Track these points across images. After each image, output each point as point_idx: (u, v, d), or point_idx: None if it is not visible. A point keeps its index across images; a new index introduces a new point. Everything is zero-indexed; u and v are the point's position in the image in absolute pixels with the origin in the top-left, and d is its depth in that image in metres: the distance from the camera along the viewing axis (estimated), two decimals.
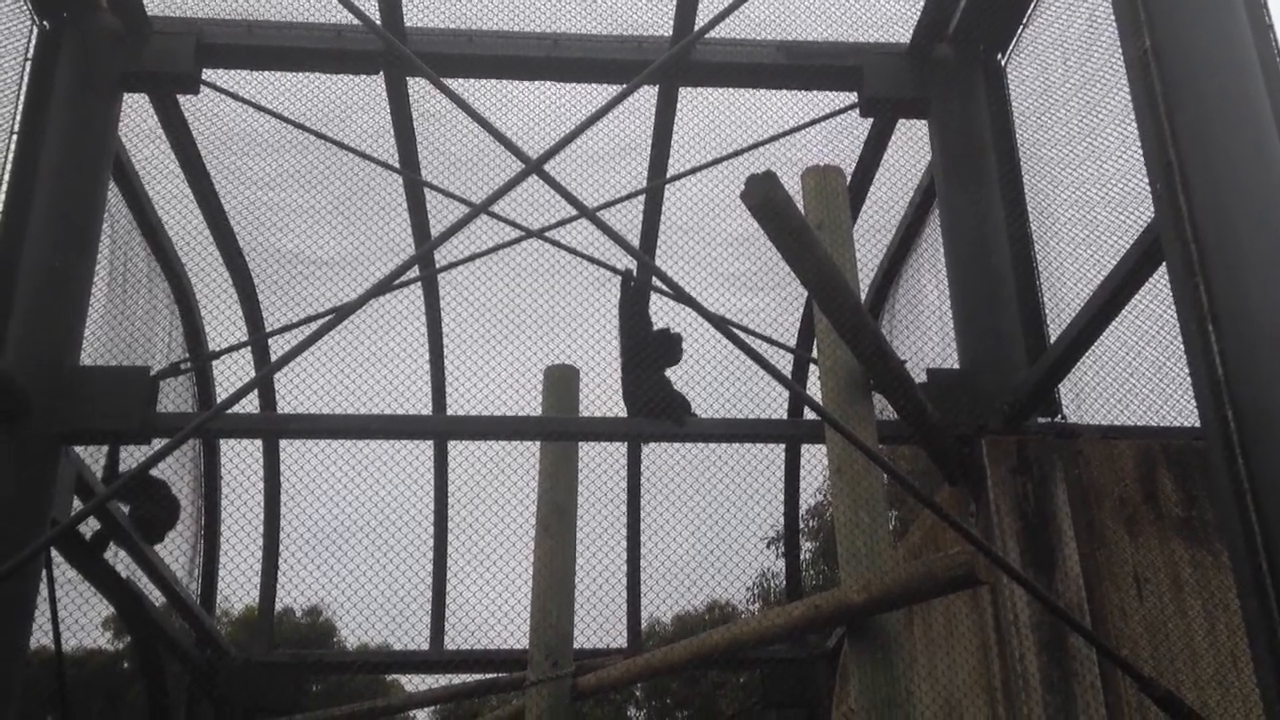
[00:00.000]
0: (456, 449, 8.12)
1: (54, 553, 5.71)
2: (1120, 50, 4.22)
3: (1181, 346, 3.78)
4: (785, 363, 7.85)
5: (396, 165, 6.77)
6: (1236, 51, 3.92)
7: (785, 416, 7.85)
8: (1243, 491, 3.40)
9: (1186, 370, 3.74)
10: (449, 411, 7.73)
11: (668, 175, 7.02)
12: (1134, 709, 4.76)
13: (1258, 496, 3.37)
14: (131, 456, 6.38)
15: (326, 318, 4.42)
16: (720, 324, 3.92)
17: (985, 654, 5.30)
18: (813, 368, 7.27)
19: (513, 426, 5.95)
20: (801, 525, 9.74)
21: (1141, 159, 4.09)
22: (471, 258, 6.55)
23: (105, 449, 6.31)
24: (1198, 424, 3.69)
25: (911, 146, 7.17)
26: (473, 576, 7.45)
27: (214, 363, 7.20)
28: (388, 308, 7.29)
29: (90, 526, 6.12)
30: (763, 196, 4.19)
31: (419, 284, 7.39)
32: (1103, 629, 4.93)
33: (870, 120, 6.95)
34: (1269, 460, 3.41)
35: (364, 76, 6.56)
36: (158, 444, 5.65)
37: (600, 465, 7.83)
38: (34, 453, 5.39)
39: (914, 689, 5.74)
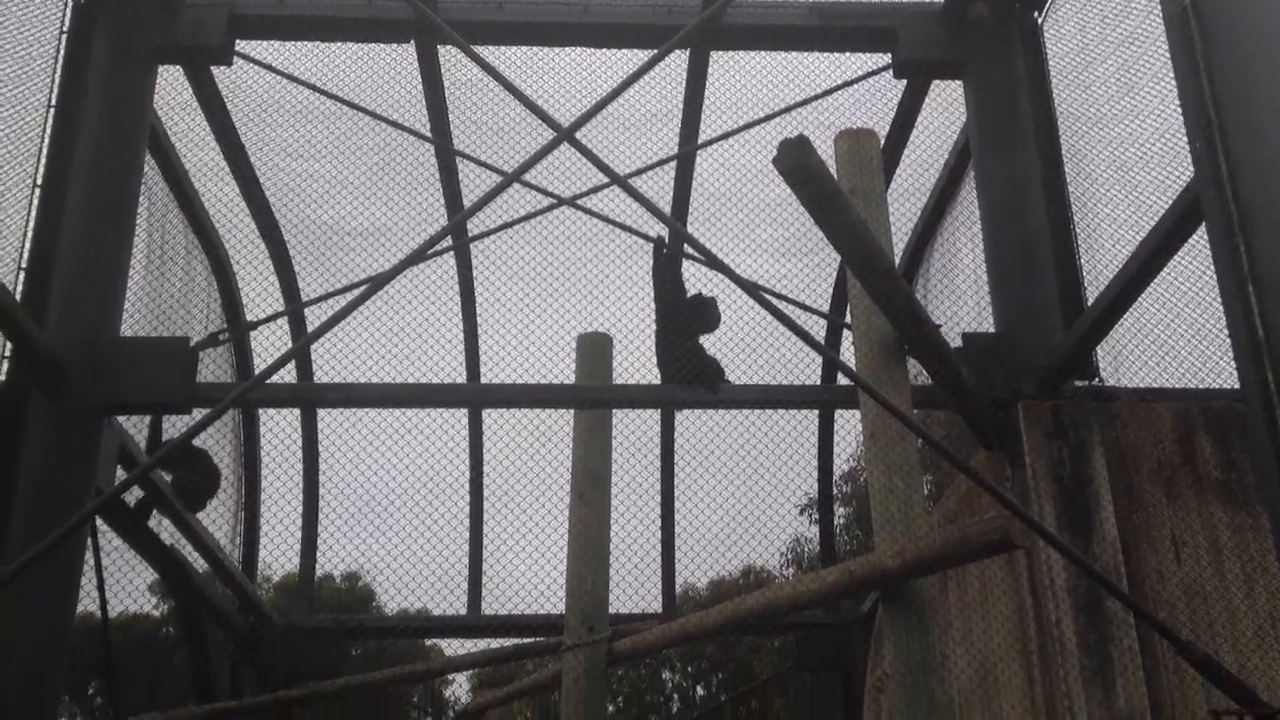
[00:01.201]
0: (491, 417, 8.18)
1: (99, 521, 5.81)
2: (1159, 6, 4.14)
3: (1221, 307, 3.74)
4: (819, 328, 7.82)
5: (428, 135, 6.78)
6: (1278, 6, 3.84)
7: (819, 382, 7.82)
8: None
9: (1226, 331, 3.70)
10: (483, 380, 7.77)
11: (699, 141, 6.99)
12: (1171, 672, 4.75)
13: None
14: (173, 426, 6.47)
15: (362, 288, 4.46)
16: (753, 290, 3.92)
17: (1021, 618, 5.29)
18: (846, 333, 7.25)
19: (546, 394, 5.98)
20: (835, 491, 9.74)
21: (1181, 117, 4.03)
22: (504, 226, 6.57)
23: (148, 419, 6.40)
24: (1237, 386, 3.65)
25: (946, 108, 7.09)
26: (509, 543, 7.53)
27: (252, 333, 7.27)
28: (422, 277, 7.33)
29: (134, 495, 6.22)
30: (795, 161, 4.16)
31: (452, 254, 7.42)
32: (1140, 592, 4.91)
33: (904, 82, 6.88)
34: None
35: (395, 45, 6.56)
36: (199, 414, 5.73)
37: (634, 432, 7.86)
38: (78, 424, 5.48)
39: (949, 653, 5.75)
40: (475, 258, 7.65)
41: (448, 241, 7.01)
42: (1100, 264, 5.66)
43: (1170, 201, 4.59)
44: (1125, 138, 5.40)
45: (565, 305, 7.22)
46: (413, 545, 7.27)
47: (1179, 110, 4.06)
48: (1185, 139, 4.03)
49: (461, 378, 7.79)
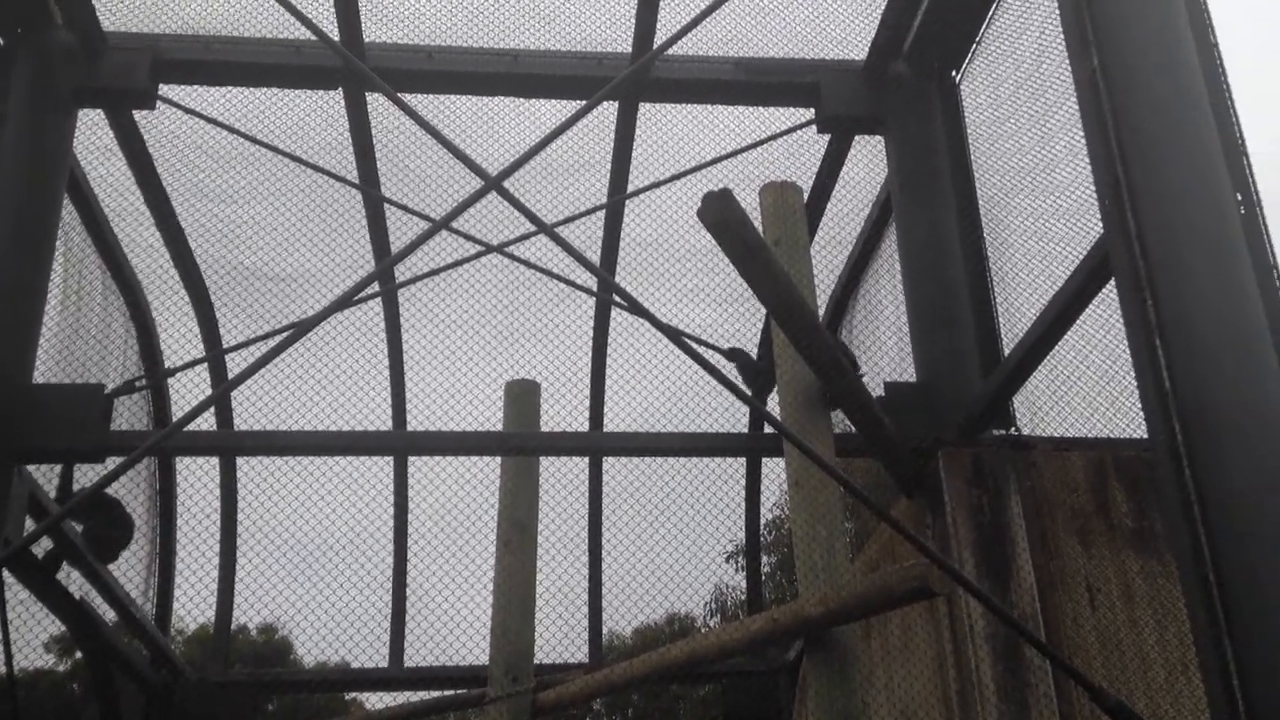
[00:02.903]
0: (417, 465, 8.09)
1: (5, 573, 5.60)
2: (1069, 65, 4.30)
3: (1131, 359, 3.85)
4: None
5: (356, 181, 6.75)
6: (1183, 70, 4.00)
7: (746, 430, 7.88)
8: (1189, 502, 3.45)
9: (1136, 383, 3.80)
10: (409, 427, 7.69)
11: (628, 191, 7.05)
12: (1086, 718, 4.82)
13: (1205, 507, 3.42)
14: (85, 475, 6.28)
15: (285, 334, 4.39)
16: (677, 338, 3.94)
17: (941, 665, 5.34)
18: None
19: (473, 442, 5.93)
20: (761, 538, 9.76)
21: (1090, 168, 4.17)
22: (432, 273, 6.54)
23: (59, 467, 6.21)
24: (1147, 436, 3.75)
25: (868, 162, 7.24)
26: (433, 593, 7.42)
27: (170, 380, 7.12)
28: (348, 324, 7.25)
29: (43, 546, 6.02)
30: (719, 214, 4.20)
31: (379, 300, 7.36)
32: (1056, 638, 4.99)
33: (828, 136, 7.02)
34: (1215, 472, 3.46)
35: (323, 92, 6.53)
36: (112, 462, 5.58)
37: (562, 480, 7.83)
38: None
39: (871, 701, 5.77)
40: (403, 304, 7.60)
41: (375, 288, 6.96)
42: (1017, 315, 5.80)
43: (1083, 252, 4.72)
44: (1039, 189, 5.56)
45: (493, 352, 7.20)
46: (333, 596, 7.14)
47: (1089, 163, 4.19)
48: (1095, 190, 4.16)
49: (387, 425, 7.70)
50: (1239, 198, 3.83)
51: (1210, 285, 3.65)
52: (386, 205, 6.94)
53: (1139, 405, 3.81)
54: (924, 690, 5.41)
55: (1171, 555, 4.76)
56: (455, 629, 7.06)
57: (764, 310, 7.43)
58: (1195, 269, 3.68)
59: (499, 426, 6.32)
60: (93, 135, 6.44)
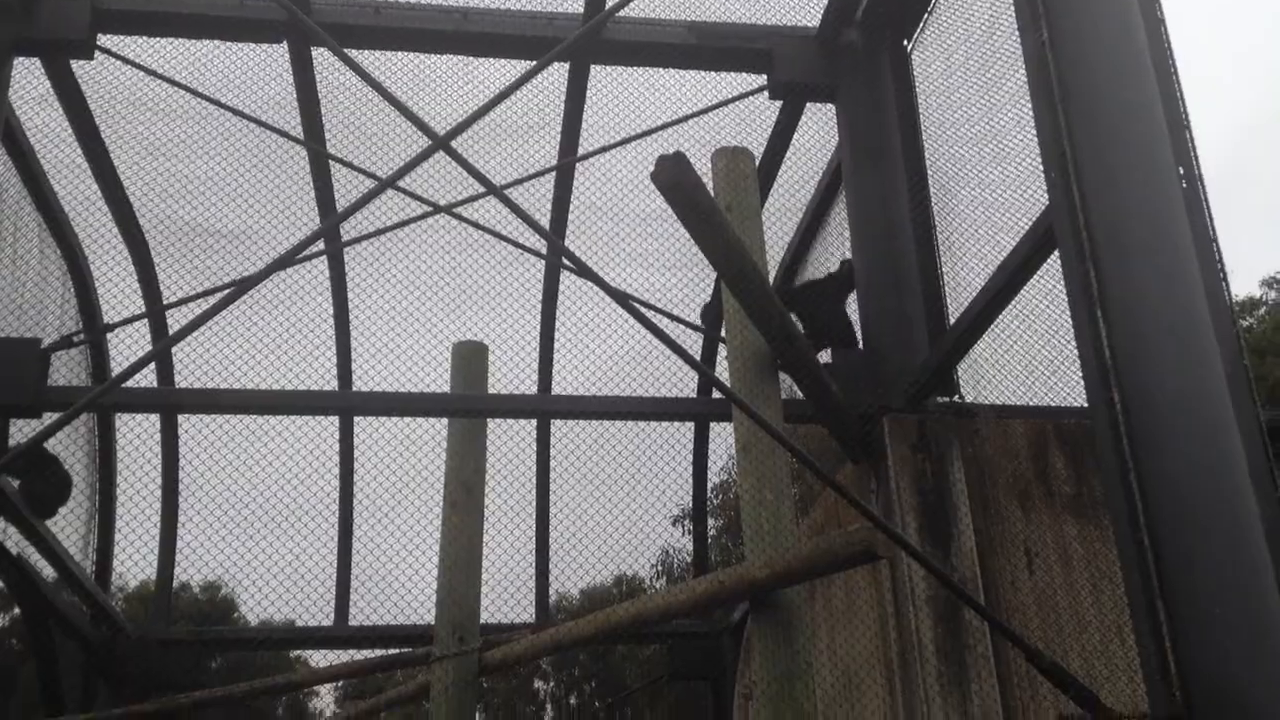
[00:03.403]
0: (363, 425, 8.01)
1: None
2: (1019, 37, 4.31)
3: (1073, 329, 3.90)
4: (695, 342, 7.89)
5: (300, 137, 6.62)
6: (1130, 45, 4.03)
7: (694, 395, 7.90)
8: (1126, 470, 3.52)
9: (1077, 351, 3.86)
10: (356, 388, 7.62)
11: (579, 153, 6.98)
12: (1023, 678, 4.92)
13: (1140, 475, 3.50)
14: (21, 431, 6.14)
15: (227, 290, 4.31)
16: (626, 302, 3.92)
17: (883, 626, 5.42)
18: (721, 347, 7.33)
19: (419, 403, 5.88)
20: (708, 502, 9.83)
21: (1037, 140, 4.19)
22: (378, 233, 6.45)
23: None
24: (1087, 404, 3.81)
25: (820, 130, 7.24)
26: (379, 553, 7.38)
27: (110, 336, 6.97)
28: (292, 282, 7.14)
29: None
30: (672, 178, 4.18)
31: (324, 259, 7.25)
32: (994, 601, 5.09)
33: (780, 103, 7.00)
34: (1152, 440, 3.53)
35: (267, 46, 6.38)
36: (49, 418, 5.46)
37: (509, 442, 7.81)
38: None
39: (814, 662, 5.85)
40: (349, 264, 7.50)
41: (319, 246, 6.85)
42: (963, 284, 5.85)
43: (1029, 221, 4.77)
44: (987, 159, 5.60)
45: (441, 314, 7.13)
46: (278, 554, 7.07)
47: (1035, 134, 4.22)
48: (1042, 160, 4.19)
49: (333, 385, 7.62)
50: (1181, 172, 3.88)
51: (1151, 257, 3.71)
52: (332, 163, 6.82)
53: (1080, 374, 3.87)
54: (866, 651, 5.50)
55: (1109, 521, 4.86)
56: (401, 589, 7.04)
57: (713, 276, 7.45)
58: (1137, 241, 3.74)
59: (446, 388, 6.27)
60: (30, 85, 6.24)
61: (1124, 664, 4.95)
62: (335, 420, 7.93)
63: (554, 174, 7.16)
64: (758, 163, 6.46)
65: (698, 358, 7.72)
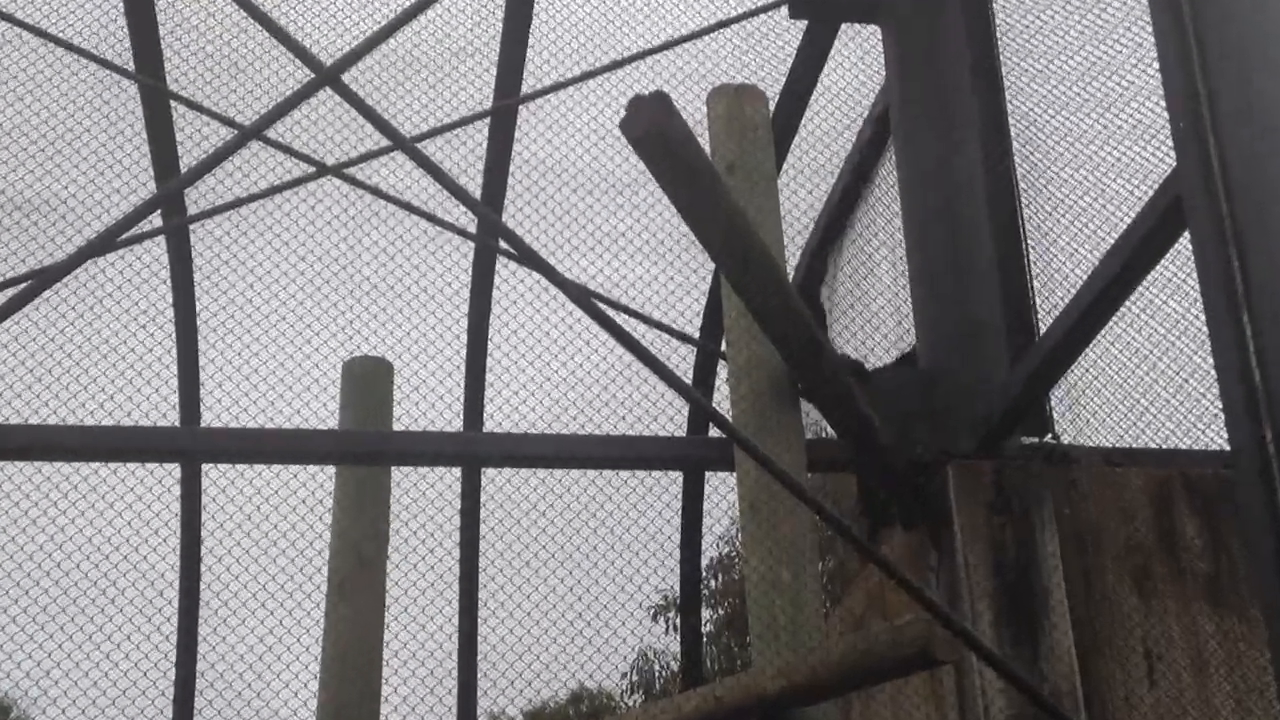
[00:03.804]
0: (216, 476, 7.97)
1: None
2: None
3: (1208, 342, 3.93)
4: (685, 359, 7.91)
5: (130, 69, 6.62)
6: None
7: (684, 434, 7.90)
8: None
9: (1214, 373, 3.88)
10: (205, 422, 7.59)
11: (522, 93, 7.00)
12: None
13: None
14: None
15: (21, 286, 4.30)
16: (587, 302, 3.93)
17: None
18: (722, 366, 7.34)
19: (295, 444, 5.86)
20: (703, 585, 9.82)
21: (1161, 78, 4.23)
22: (240, 203, 6.43)
23: None
24: (1226, 447, 3.83)
25: (861, 63, 7.29)
26: (235, 654, 7.32)
27: None
28: (117, 273, 7.11)
29: None
30: (651, 126, 4.20)
31: (161, 239, 7.23)
32: None
33: (804, 24, 7.04)
34: None
35: None
36: None
37: (423, 499, 7.77)
38: None
39: None
40: (199, 248, 7.48)
41: (155, 222, 6.83)
42: (1059, 278, 5.89)
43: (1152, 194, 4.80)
44: (1095, 105, 5.64)
45: (328, 317, 7.12)
46: (90, 658, 7.01)
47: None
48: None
49: (173, 418, 7.59)
50: None
51: None
52: (176, 106, 6.82)
53: (1219, 404, 3.89)
54: None
55: (1258, 610, 4.89)
56: (266, 705, 6.99)
57: (711, 265, 7.48)
58: None
59: (334, 422, 6.26)
60: None
61: None
62: (175, 469, 7.89)
63: (487, 122, 7.17)
64: (773, 108, 6.51)
65: (688, 380, 7.72)
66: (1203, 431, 5.37)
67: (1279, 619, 3.55)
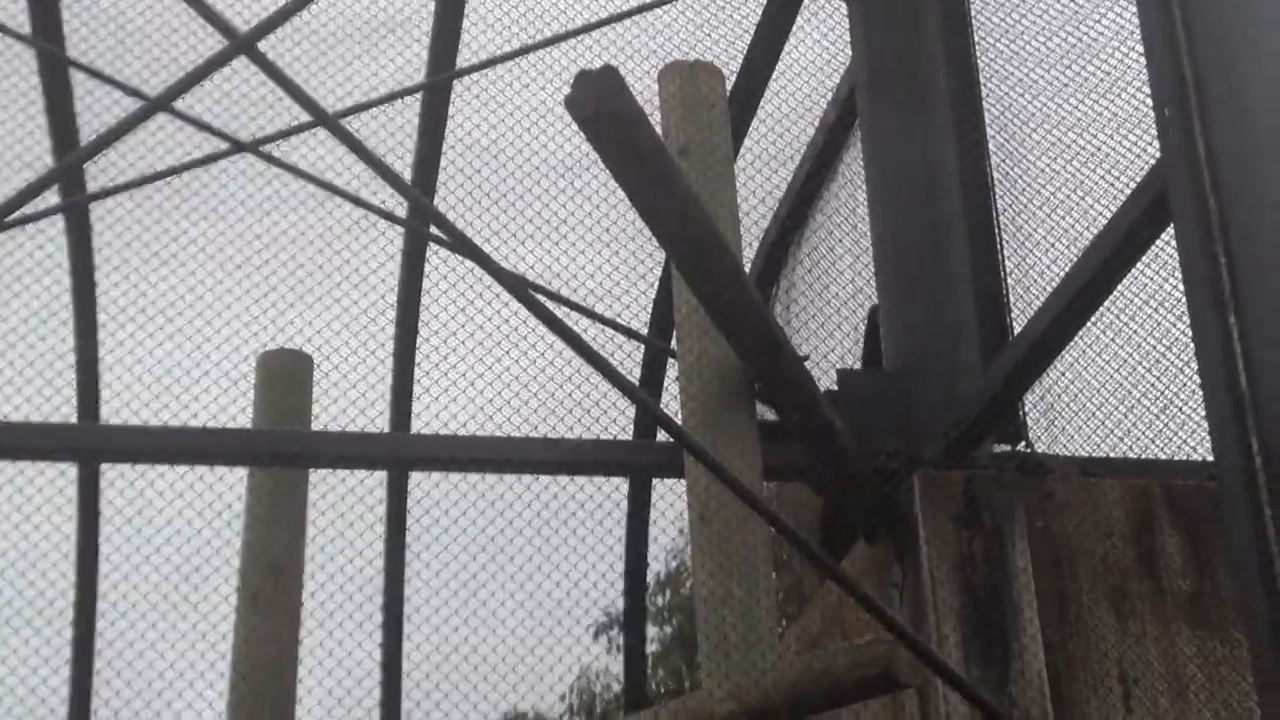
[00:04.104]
0: (115, 478, 7.91)
1: None
2: None
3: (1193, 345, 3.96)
4: (632, 356, 7.91)
5: (26, 33, 6.57)
6: None
7: (630, 438, 7.91)
8: (1269, 556, 3.57)
9: (1198, 379, 3.91)
10: (104, 420, 7.53)
11: (458, 66, 6.99)
12: None
13: None
14: None
15: None
16: (526, 294, 3.94)
17: None
18: (672, 364, 7.35)
19: (202, 444, 5.82)
20: (649, 601, 9.83)
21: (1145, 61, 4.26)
22: (146, 180, 6.40)
23: None
24: (1210, 457, 3.87)
25: (825, 40, 7.31)
26: (135, 671, 7.27)
27: None
28: (7, 254, 7.05)
29: None
30: (599, 104, 4.21)
31: (59, 218, 7.18)
32: None
33: None
34: None
35: None
36: None
37: (345, 506, 7.74)
38: None
39: None
40: (99, 229, 7.43)
41: (53, 199, 6.78)
42: (1036, 274, 5.93)
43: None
44: (1076, 89, 5.68)
45: (242, 306, 7.08)
46: None
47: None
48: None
49: (69, 414, 7.53)
50: None
51: None
52: (77, 75, 6.77)
53: (1203, 412, 3.92)
54: None
55: (1241, 632, 4.94)
56: None
57: (662, 255, 7.48)
58: None
59: (247, 421, 6.23)
60: None
61: None
62: (72, 470, 7.83)
63: (419, 98, 7.15)
64: (730, 87, 6.53)
65: (635, 380, 7.73)
66: (1185, 441, 5.41)
67: (1264, 641, 3.57)
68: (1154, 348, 5.36)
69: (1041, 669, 5.25)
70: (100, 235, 7.41)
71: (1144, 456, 5.65)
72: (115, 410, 7.19)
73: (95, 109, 6.88)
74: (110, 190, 6.59)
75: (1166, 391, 5.38)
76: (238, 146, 6.18)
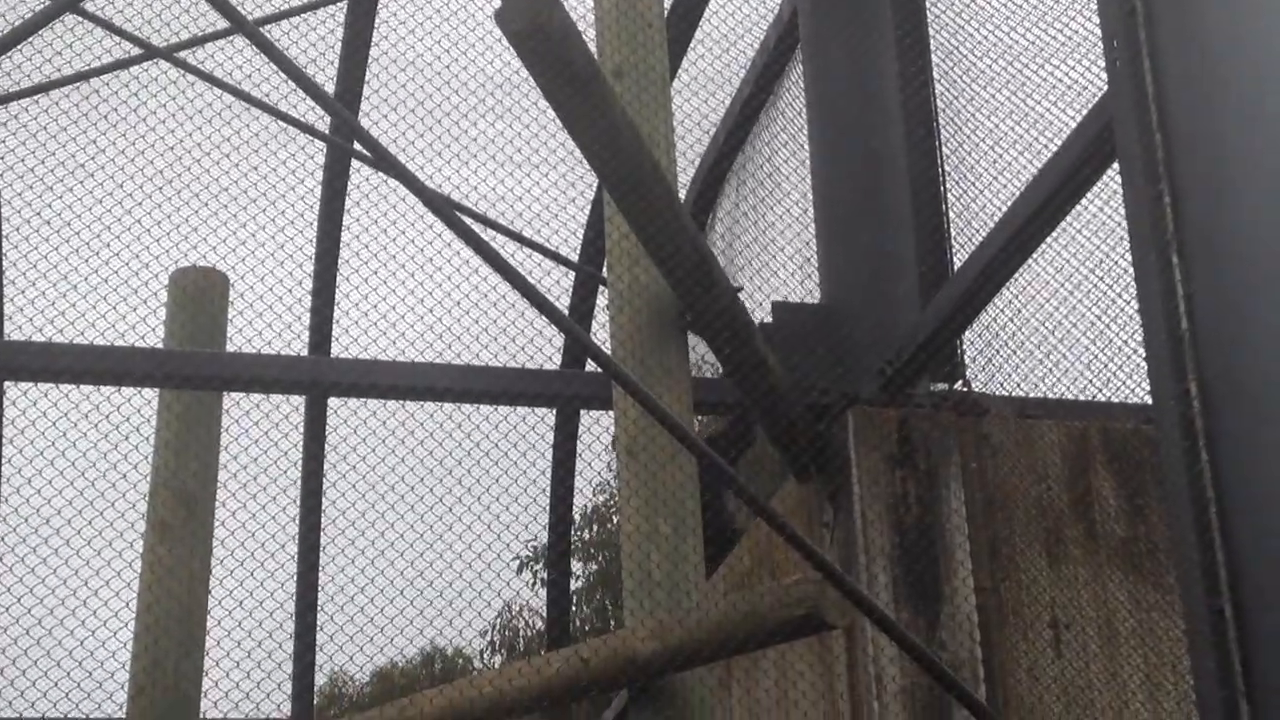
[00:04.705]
0: (16, 396, 7.82)
1: None
2: None
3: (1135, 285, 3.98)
4: (562, 284, 7.90)
5: None
6: None
7: (558, 368, 7.89)
8: (1204, 502, 3.60)
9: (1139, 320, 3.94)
10: (7, 336, 7.44)
11: None
12: None
13: (1225, 510, 3.57)
14: None
15: None
16: (451, 215, 3.91)
17: None
18: (603, 292, 7.33)
19: (109, 363, 5.76)
20: (575, 537, 9.86)
21: None
22: (52, 85, 6.29)
23: None
24: (1149, 400, 3.89)
25: None
26: (35, 596, 7.20)
27: None
28: None
29: None
30: (529, 20, 4.18)
31: None
32: (1003, 696, 5.21)
33: None
34: (1246, 456, 3.60)
35: None
36: None
37: (260, 432, 7.69)
38: None
39: None
40: (1, 131, 7.29)
41: None
42: (978, 210, 5.94)
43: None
44: (1021, 16, 5.66)
45: (153, 223, 6.98)
46: None
47: None
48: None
49: None
50: None
51: (1260, 177, 3.77)
52: None
53: (1143, 353, 3.94)
54: None
55: (1174, 578, 5.01)
56: (69, 655, 6.90)
57: (594, 180, 7.44)
58: (1240, 152, 3.81)
59: (159, 341, 6.16)
60: None
61: None
62: None
63: (343, 7, 7.07)
64: (668, 5, 6.47)
65: (564, 308, 7.71)
66: (1124, 383, 5.46)
67: (1196, 586, 3.61)
68: (1095, 287, 5.39)
69: (972, 612, 5.31)
70: (4, 142, 7.28)
71: (1082, 399, 5.69)
72: (18, 326, 7.08)
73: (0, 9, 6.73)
74: (15, 95, 6.47)
75: (1107, 332, 5.42)
76: (151, 52, 6.09)
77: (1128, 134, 3.98)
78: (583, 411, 8.21)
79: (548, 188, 7.49)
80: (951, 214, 6.14)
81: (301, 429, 8.13)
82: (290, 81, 3.99)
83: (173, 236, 6.77)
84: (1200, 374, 3.66)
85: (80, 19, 5.88)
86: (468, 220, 4.81)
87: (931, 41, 6.32)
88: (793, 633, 4.68)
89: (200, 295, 6.27)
